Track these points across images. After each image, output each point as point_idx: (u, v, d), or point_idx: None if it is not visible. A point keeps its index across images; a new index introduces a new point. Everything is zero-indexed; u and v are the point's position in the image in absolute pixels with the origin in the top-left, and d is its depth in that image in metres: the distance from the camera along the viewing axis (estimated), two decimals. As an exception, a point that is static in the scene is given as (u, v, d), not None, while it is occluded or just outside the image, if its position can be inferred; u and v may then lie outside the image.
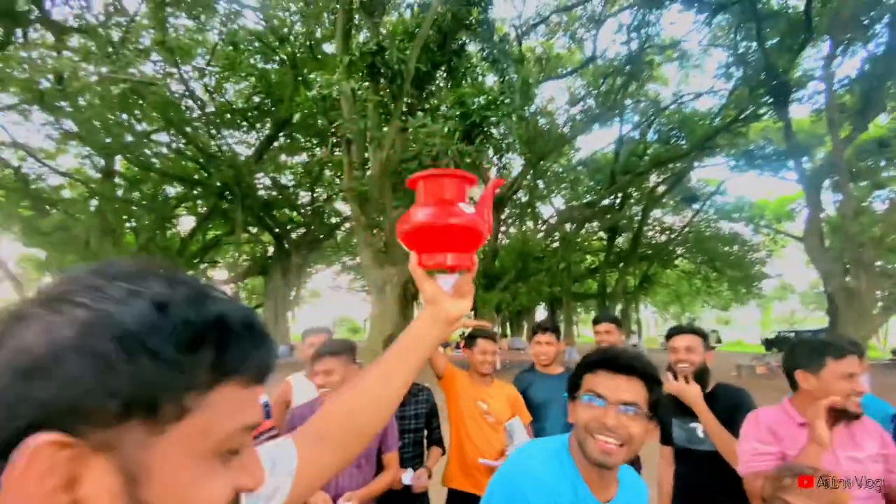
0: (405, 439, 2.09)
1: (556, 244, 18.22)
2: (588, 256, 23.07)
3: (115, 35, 10.50)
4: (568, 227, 18.25)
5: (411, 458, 2.09)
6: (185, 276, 0.36)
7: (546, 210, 21.30)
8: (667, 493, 2.22)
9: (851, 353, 1.51)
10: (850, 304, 10.55)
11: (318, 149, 13.74)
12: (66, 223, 12.07)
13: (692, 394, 1.99)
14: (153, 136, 13.63)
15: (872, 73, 11.06)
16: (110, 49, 9.37)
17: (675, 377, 2.20)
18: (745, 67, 13.03)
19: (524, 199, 18.94)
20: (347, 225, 14.17)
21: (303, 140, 14.63)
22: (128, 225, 14.70)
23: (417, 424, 2.14)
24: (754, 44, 12.06)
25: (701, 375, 2.12)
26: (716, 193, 19.47)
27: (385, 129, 8.12)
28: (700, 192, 19.59)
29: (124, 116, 11.97)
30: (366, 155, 8.12)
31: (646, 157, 17.04)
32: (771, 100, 12.15)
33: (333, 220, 16.46)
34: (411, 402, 2.19)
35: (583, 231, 19.55)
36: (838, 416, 1.52)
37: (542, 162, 14.71)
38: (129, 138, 12.31)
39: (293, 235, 16.77)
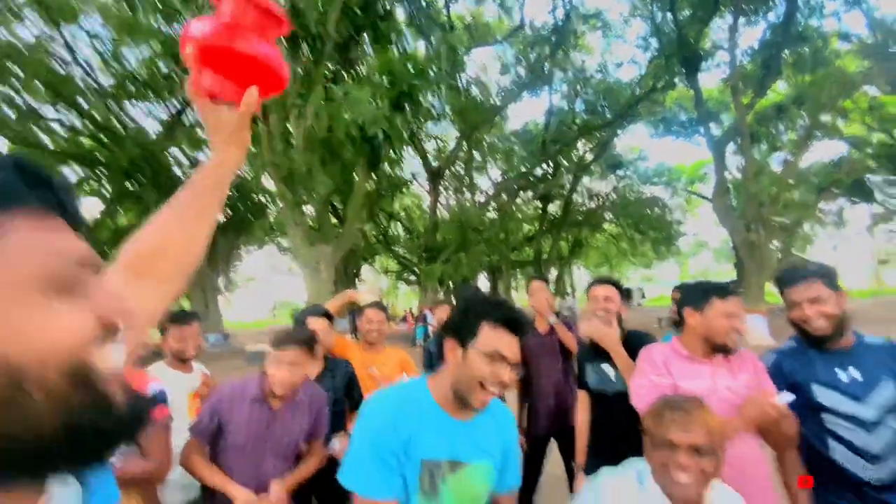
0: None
1: (493, 215, 18.60)
2: (525, 225, 23.84)
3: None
4: (504, 197, 18.64)
5: (333, 431, 2.09)
6: None
7: (483, 182, 21.60)
8: (583, 435, 2.38)
9: (734, 294, 1.66)
10: (752, 255, 11.79)
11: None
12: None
13: (611, 336, 2.11)
14: (41, 112, 11.90)
15: (772, 41, 12.08)
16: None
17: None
18: (662, 38, 13.71)
19: (462, 172, 19.02)
20: (280, 203, 13.45)
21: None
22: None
23: (336, 396, 2.15)
24: (669, 14, 12.67)
25: (617, 322, 2.28)
26: (638, 159, 20.72)
27: (307, 96, 7.65)
28: (624, 158, 20.74)
29: (-1, 88, 10.32)
30: (287, 125, 7.62)
31: (574, 126, 17.64)
32: (684, 69, 12.93)
33: (262, 198, 15.55)
34: (326, 376, 2.18)
35: (518, 201, 20.08)
36: (718, 349, 1.68)
37: (475, 132, 14.74)
38: (10, 113, 10.66)
39: (219, 217, 15.66)
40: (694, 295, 1.77)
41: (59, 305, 0.33)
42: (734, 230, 12.15)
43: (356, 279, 22.15)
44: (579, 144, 18.98)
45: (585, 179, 21.65)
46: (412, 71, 8.02)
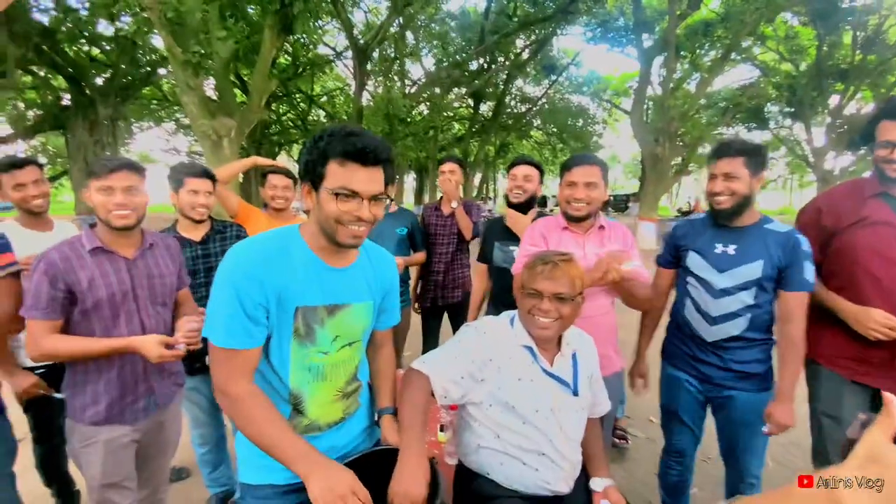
0: (212, 276, 2.00)
1: (423, 109, 17.73)
2: (455, 125, 23.20)
3: None
4: (437, 90, 17.67)
5: None
6: None
7: (415, 71, 20.12)
8: (476, 298, 2.68)
9: (579, 165, 1.82)
10: (654, 167, 12.76)
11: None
12: None
13: (523, 223, 2.31)
14: None
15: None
16: None
17: (509, 203, 2.47)
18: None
19: (393, 55, 17.41)
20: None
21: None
22: None
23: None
24: None
25: (531, 201, 2.41)
26: (571, 64, 20.43)
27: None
28: (559, 62, 20.30)
29: None
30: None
31: (515, 19, 16.61)
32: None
33: (150, 58, 13.13)
34: (214, 239, 2.07)
35: (450, 96, 19.19)
36: (569, 219, 1.87)
37: (408, 7, 13.25)
38: None
39: (97, 80, 13.07)
40: (560, 171, 1.95)
41: None
42: (644, 142, 12.90)
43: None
44: (518, 42, 18.08)
45: (519, 82, 21.10)
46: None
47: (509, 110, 21.71)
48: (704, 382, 1.81)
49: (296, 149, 22.55)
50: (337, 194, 1.01)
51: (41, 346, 1.38)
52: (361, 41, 13.94)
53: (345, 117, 17.22)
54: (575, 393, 1.40)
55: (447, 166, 2.98)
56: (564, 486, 1.38)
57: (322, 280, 1.10)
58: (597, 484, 1.41)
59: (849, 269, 1.67)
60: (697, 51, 16.50)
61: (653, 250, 5.86)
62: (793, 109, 16.83)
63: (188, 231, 2.05)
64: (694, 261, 1.80)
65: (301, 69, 15.21)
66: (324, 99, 19.51)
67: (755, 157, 1.66)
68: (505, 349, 1.37)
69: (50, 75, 13.46)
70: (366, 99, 16.00)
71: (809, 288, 1.62)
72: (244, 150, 13.96)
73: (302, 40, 13.05)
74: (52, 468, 2.09)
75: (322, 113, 19.30)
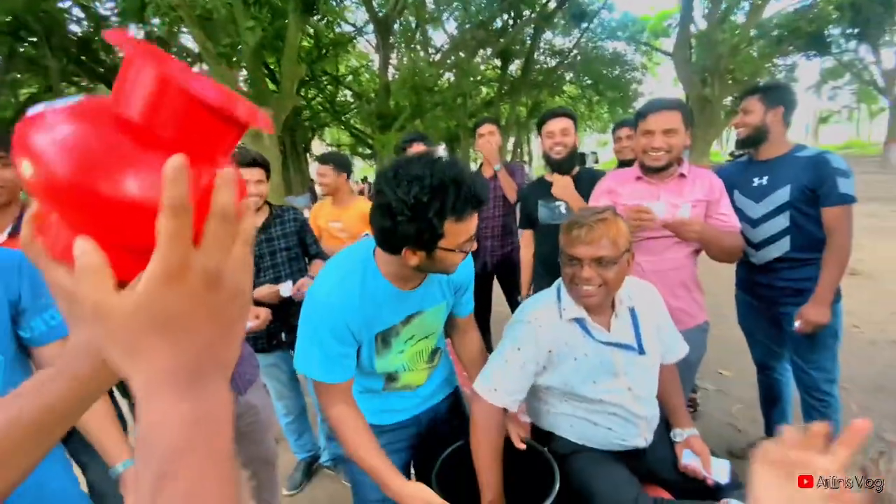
0: (277, 258, 2.14)
1: (450, 76, 17.30)
2: (483, 89, 22.53)
3: None
4: (462, 54, 17.14)
5: (290, 274, 2.16)
6: None
7: (438, 37, 19.57)
8: (527, 269, 2.62)
9: (658, 111, 1.72)
10: (703, 111, 11.92)
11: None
12: None
13: (567, 187, 2.23)
14: None
15: None
16: None
17: (549, 162, 2.38)
18: None
19: (413, 24, 16.98)
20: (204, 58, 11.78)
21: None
22: None
23: (287, 243, 2.16)
24: None
25: (573, 157, 2.32)
26: (603, 8, 19.12)
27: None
28: (588, 7, 19.05)
29: None
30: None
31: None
32: None
33: (182, 57, 13.53)
34: (275, 224, 2.16)
35: (476, 59, 18.57)
36: (646, 170, 1.78)
37: (426, -28, 12.80)
38: None
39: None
40: (635, 119, 1.84)
41: None
42: (690, 84, 12.03)
43: (306, 154, 21.01)
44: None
45: (548, 35, 20.04)
46: None
47: (539, 66, 20.78)
48: (762, 301, 2.02)
49: (327, 132, 22.78)
50: (456, 248, 1.01)
51: None
52: (381, 13, 13.66)
53: (372, 95, 17.11)
54: (641, 352, 1.34)
55: (485, 128, 2.90)
56: (642, 441, 1.38)
57: (398, 302, 1.17)
58: (678, 435, 1.40)
59: None
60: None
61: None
62: (857, 30, 15.03)
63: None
64: (738, 198, 1.95)
65: (325, 51, 15.18)
66: (349, 78, 19.45)
67: (769, 92, 1.86)
68: (559, 334, 1.31)
69: (92, 84, 14.18)
70: (391, 73, 15.81)
71: (849, 200, 1.71)
72: (279, 139, 14.29)
73: (324, 21, 12.96)
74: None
75: (349, 93, 19.29)
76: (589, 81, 21.24)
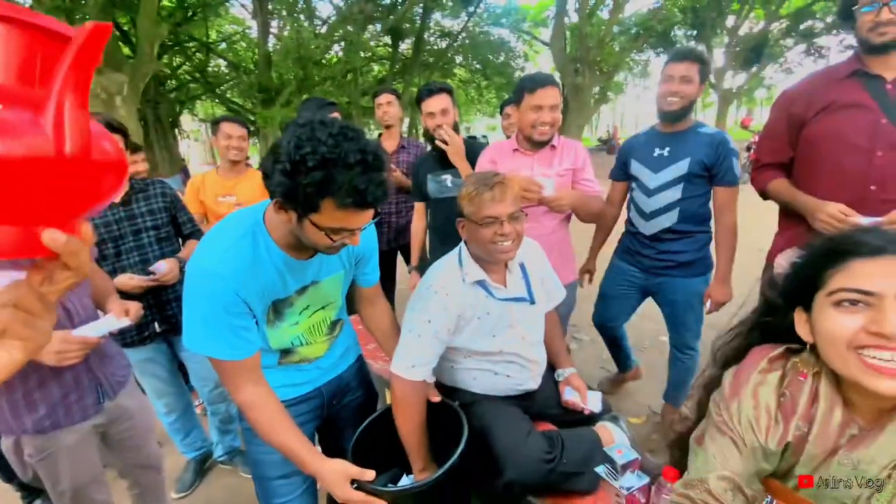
0: (143, 238, 1.87)
1: (337, 48, 16.50)
2: (375, 66, 21.93)
3: None
4: (350, 28, 16.43)
5: (159, 256, 1.90)
6: None
7: (324, 8, 18.41)
8: (417, 239, 2.61)
9: (542, 86, 1.76)
10: (576, 97, 13.10)
11: None
12: None
13: (457, 145, 2.17)
14: None
15: None
16: None
17: (433, 141, 2.39)
18: None
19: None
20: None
21: None
22: None
23: (155, 221, 1.90)
24: None
25: (455, 130, 2.36)
26: (488, -6, 19.75)
27: None
28: (475, -9, 19.52)
29: None
30: None
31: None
32: None
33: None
34: (137, 199, 1.87)
35: (366, 34, 17.96)
36: (531, 142, 1.90)
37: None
38: None
39: None
40: (516, 92, 1.91)
41: None
42: (565, 72, 13.11)
43: (174, 130, 18.50)
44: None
45: (437, 16, 20.12)
46: None
47: (430, 47, 20.84)
48: (643, 271, 2.12)
49: (199, 106, 20.36)
50: (330, 230, 0.94)
51: None
52: (258, -26, 12.42)
53: (252, 66, 15.63)
54: (532, 301, 1.49)
55: (383, 98, 2.84)
56: (533, 384, 1.54)
57: (292, 272, 1.11)
58: (560, 375, 1.59)
59: (811, 161, 1.55)
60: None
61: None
62: (696, 32, 17.75)
63: None
64: (635, 166, 2.04)
65: (191, 13, 13.38)
66: (222, 46, 17.47)
67: (705, 65, 1.83)
68: (464, 298, 1.37)
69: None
70: (271, 43, 14.55)
71: (737, 182, 1.85)
72: (140, 112, 12.37)
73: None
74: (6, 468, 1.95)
75: (223, 63, 17.36)
76: (478, 66, 21.91)
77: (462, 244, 1.47)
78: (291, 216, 0.95)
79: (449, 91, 2.28)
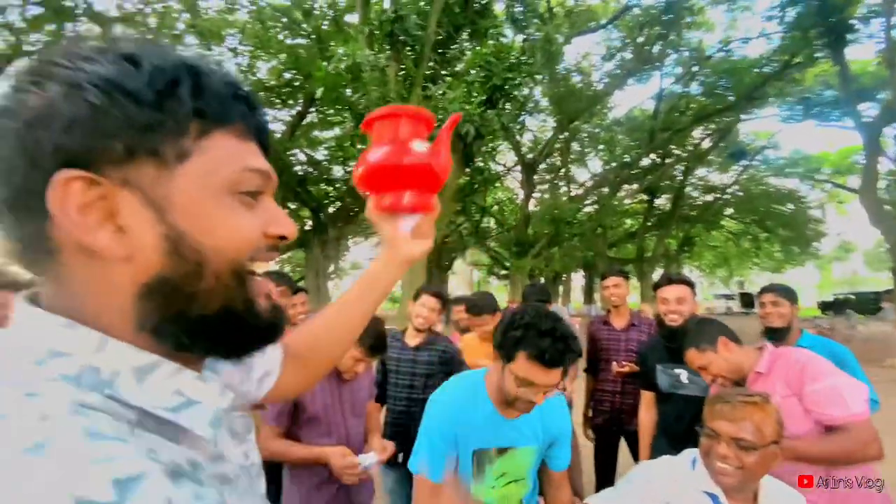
0: (415, 382, 2.23)
1: (592, 208, 17.77)
2: (627, 220, 22.33)
3: (152, 22, 11.01)
4: (605, 189, 17.70)
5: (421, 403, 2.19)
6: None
7: (582, 174, 20.68)
8: (646, 434, 2.32)
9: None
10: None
11: (348, 123, 13.95)
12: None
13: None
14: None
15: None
16: (148, 35, 9.82)
17: (662, 325, 2.28)
18: (800, 6, 11.81)
19: (559, 163, 18.43)
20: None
21: (333, 114, 14.89)
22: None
23: (430, 370, 2.21)
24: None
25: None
26: (766, 148, 18.14)
27: (407, 97, 8.17)
28: (749, 146, 18.30)
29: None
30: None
31: (688, 112, 16.05)
32: (826, 41, 11.02)
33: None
34: (425, 349, 2.27)
35: (621, 193, 18.90)
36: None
37: (574, 123, 14.21)
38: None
39: (329, 209, 17.34)
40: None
41: (243, 212, 0.37)
42: (888, 230, 10.15)
43: (448, 272, 22.84)
44: (695, 132, 17.20)
45: (701, 171, 19.56)
46: (506, 64, 8.08)
47: (691, 201, 20.02)
48: None
49: (469, 254, 24.62)
50: (521, 381, 1.15)
51: (268, 448, 1.51)
52: (529, 157, 15.27)
53: (513, 223, 18.40)
54: None
55: (610, 281, 2.82)
56: None
57: (495, 426, 1.30)
58: None
59: None
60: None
61: None
62: None
63: (411, 338, 2.32)
64: None
65: (476, 185, 17.28)
66: (494, 208, 21.41)
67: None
68: (684, 492, 1.22)
69: (297, 207, 18.36)
70: (532, 205, 16.98)
71: None
72: (428, 258, 16.06)
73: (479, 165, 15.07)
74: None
75: (493, 221, 21.07)
76: (754, 217, 19.48)
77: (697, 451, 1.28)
78: (499, 365, 1.21)
79: (689, 284, 2.22)
